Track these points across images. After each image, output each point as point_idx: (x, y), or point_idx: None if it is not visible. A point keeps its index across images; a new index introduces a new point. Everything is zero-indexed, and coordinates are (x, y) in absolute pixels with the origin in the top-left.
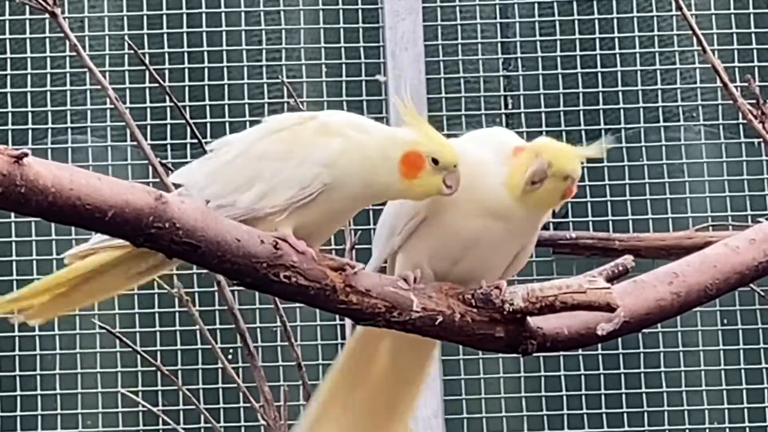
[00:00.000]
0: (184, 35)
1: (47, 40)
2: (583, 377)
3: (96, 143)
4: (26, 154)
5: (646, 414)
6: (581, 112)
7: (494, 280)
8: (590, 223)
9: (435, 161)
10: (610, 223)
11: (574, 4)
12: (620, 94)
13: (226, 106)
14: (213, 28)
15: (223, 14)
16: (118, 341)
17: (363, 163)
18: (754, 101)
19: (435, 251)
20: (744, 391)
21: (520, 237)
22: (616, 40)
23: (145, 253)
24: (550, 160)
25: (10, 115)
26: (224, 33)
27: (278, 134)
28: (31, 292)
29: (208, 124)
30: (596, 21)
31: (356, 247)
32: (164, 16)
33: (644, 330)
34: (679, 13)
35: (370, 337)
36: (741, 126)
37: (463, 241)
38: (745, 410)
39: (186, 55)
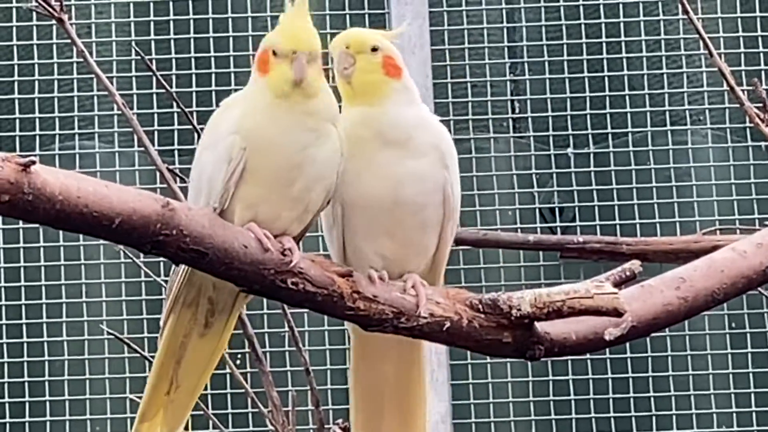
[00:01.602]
0: (191, 41)
1: (54, 46)
2: (591, 381)
3: (103, 149)
4: (33, 162)
5: (654, 418)
6: (588, 116)
7: (435, 240)
8: (598, 227)
9: (275, 53)
10: (618, 227)
11: (581, 8)
12: (627, 97)
13: None
14: (220, 34)
15: (230, 20)
16: (126, 347)
17: (255, 104)
18: (761, 104)
19: (363, 225)
20: (752, 395)
21: (412, 158)
22: (623, 43)
23: (190, 305)
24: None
25: (17, 121)
26: (231, 38)
27: (204, 132)
28: (146, 403)
29: None
30: (603, 25)
31: None
32: (171, 22)
33: (652, 334)
34: (685, 16)
35: (362, 343)
36: (748, 129)
37: (375, 197)
38: (754, 414)
39: (193, 60)
